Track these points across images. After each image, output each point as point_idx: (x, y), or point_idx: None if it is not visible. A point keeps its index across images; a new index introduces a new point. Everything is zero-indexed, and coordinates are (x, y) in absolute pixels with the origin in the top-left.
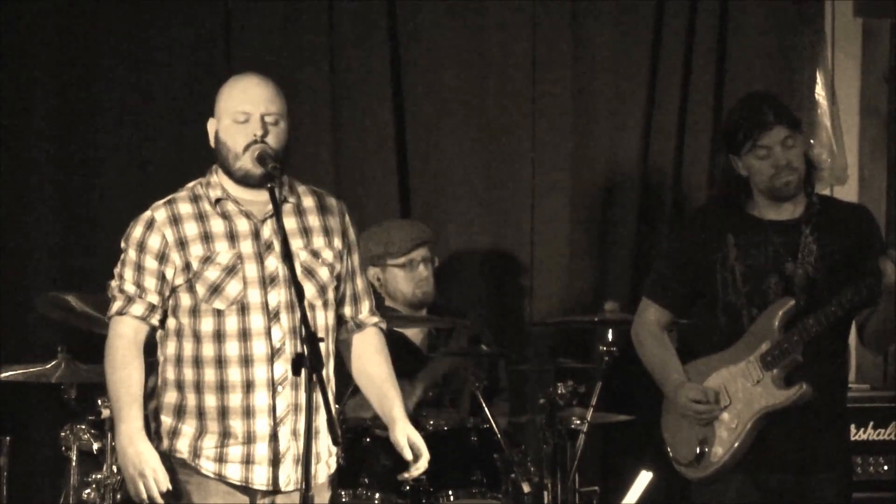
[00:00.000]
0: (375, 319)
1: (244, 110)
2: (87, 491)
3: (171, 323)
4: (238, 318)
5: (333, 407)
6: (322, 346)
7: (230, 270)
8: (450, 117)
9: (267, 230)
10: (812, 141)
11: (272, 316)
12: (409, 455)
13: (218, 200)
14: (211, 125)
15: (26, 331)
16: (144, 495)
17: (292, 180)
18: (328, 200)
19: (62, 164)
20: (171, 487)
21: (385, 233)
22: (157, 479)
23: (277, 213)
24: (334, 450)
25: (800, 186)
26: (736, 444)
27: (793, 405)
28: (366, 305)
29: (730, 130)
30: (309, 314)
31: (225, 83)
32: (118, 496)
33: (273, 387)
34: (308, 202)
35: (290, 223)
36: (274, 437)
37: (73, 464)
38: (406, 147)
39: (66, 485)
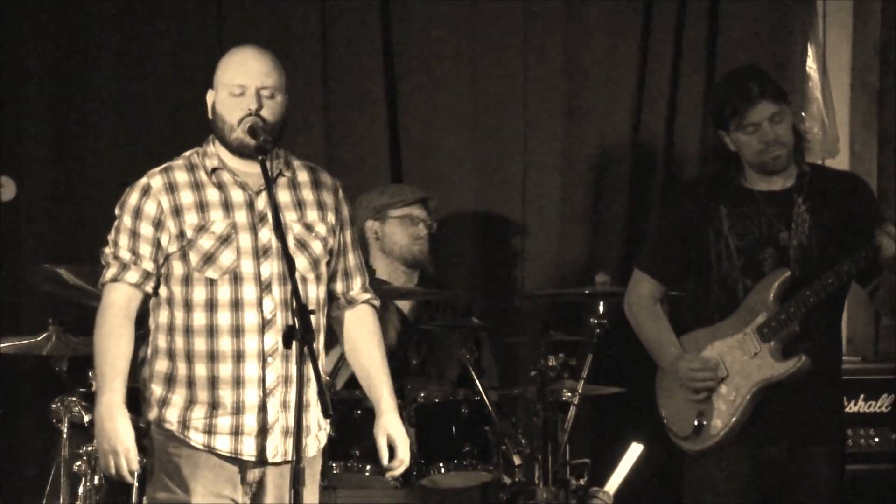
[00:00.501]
0: (367, 296)
1: (240, 83)
2: (78, 463)
3: (162, 291)
4: (230, 287)
5: (324, 379)
6: (313, 319)
7: (224, 240)
8: (442, 90)
9: (261, 202)
10: (803, 114)
11: (264, 287)
12: (383, 458)
13: (214, 170)
14: (209, 97)
15: (18, 303)
16: (114, 472)
17: (288, 155)
18: (323, 176)
19: (54, 138)
20: (139, 470)
21: (390, 187)
22: (128, 458)
23: (269, 186)
24: (325, 423)
25: (790, 159)
26: (735, 417)
27: (792, 377)
28: (357, 282)
29: (717, 107)
30: (301, 287)
31: (224, 54)
32: None
33: (263, 358)
34: (303, 176)
35: (284, 196)
36: (263, 408)
37: (64, 436)
38: (398, 120)
39: (57, 457)
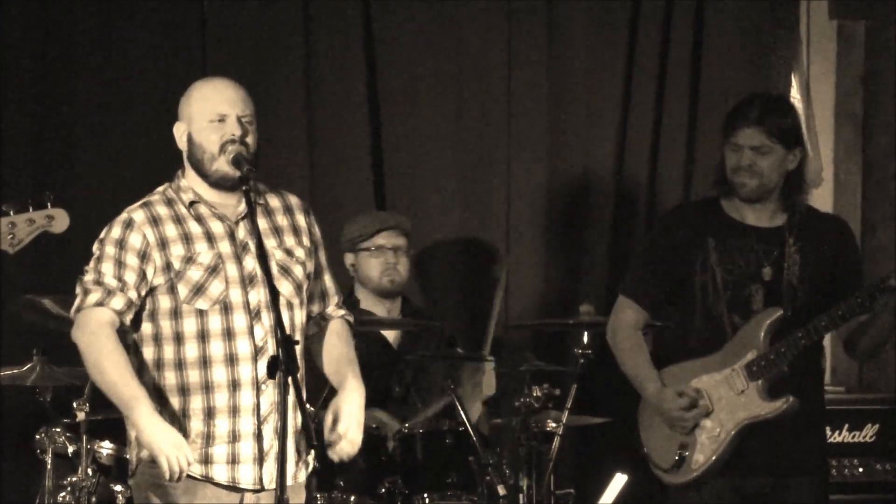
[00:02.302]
0: (342, 312)
1: (220, 112)
2: (63, 494)
3: (147, 328)
4: (221, 317)
5: (308, 409)
6: (298, 347)
7: (213, 270)
8: (425, 120)
9: (241, 231)
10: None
11: (254, 315)
12: (326, 431)
13: (192, 203)
14: (179, 129)
15: (1, 334)
16: (177, 468)
17: (256, 182)
18: (292, 200)
19: (36, 168)
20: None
21: (360, 219)
22: (185, 451)
23: (252, 215)
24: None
25: (759, 193)
26: (717, 453)
27: (779, 417)
28: (333, 300)
29: (726, 118)
30: (287, 313)
31: (192, 87)
32: (93, 499)
33: (257, 385)
34: (274, 202)
35: (262, 223)
36: (258, 436)
37: (49, 467)
38: (382, 151)
39: (41, 488)
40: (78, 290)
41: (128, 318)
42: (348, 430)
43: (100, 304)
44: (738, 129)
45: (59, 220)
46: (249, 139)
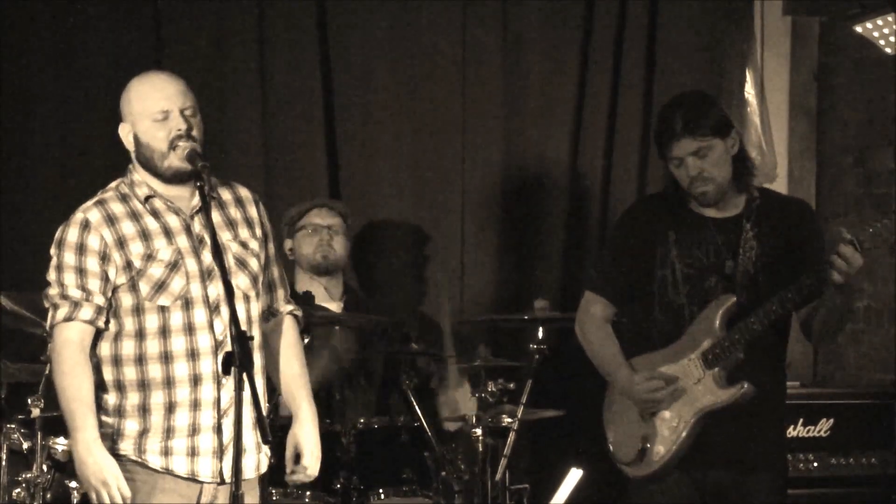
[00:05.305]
0: (290, 307)
1: (162, 108)
2: (17, 490)
3: (109, 325)
4: (182, 313)
5: (263, 405)
6: (253, 340)
7: (173, 266)
8: (380, 113)
9: (197, 225)
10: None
11: (213, 309)
12: (288, 466)
13: (147, 198)
14: (125, 130)
15: None
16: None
17: (209, 176)
18: (242, 192)
19: None
20: (130, 495)
21: (295, 204)
22: (119, 486)
23: (207, 211)
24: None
25: (720, 192)
26: (678, 443)
27: (735, 404)
28: (281, 293)
29: (654, 138)
30: (244, 305)
31: (129, 86)
32: (48, 495)
33: (218, 379)
34: (226, 195)
35: (215, 217)
36: (218, 429)
37: (3, 463)
38: (336, 145)
39: None
40: (46, 305)
41: (101, 323)
42: (310, 465)
43: (68, 318)
44: (669, 143)
45: None
46: (195, 132)
